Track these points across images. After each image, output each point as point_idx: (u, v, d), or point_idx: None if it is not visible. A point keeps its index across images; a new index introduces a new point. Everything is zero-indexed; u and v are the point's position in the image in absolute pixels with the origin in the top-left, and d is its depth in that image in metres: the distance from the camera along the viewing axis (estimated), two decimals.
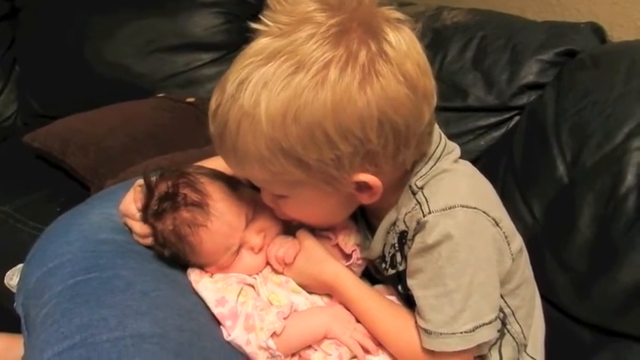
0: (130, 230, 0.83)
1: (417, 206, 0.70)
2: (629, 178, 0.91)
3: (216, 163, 0.83)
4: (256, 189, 0.78)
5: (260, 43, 0.66)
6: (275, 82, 0.63)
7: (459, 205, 0.67)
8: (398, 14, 0.67)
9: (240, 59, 0.66)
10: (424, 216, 0.68)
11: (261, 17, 0.67)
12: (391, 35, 0.65)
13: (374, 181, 0.68)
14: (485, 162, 1.17)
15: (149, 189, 0.79)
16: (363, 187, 0.69)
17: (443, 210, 0.68)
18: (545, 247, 0.98)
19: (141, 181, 0.81)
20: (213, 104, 0.68)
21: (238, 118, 0.65)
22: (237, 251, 0.79)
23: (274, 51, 0.64)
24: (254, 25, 0.67)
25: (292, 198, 0.73)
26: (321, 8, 0.65)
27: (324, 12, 0.64)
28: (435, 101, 0.69)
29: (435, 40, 1.27)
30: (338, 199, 0.72)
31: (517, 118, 1.19)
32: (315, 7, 0.65)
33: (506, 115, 1.21)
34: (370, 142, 0.64)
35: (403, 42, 0.65)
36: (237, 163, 0.70)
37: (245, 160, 0.67)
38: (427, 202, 0.69)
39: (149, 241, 0.81)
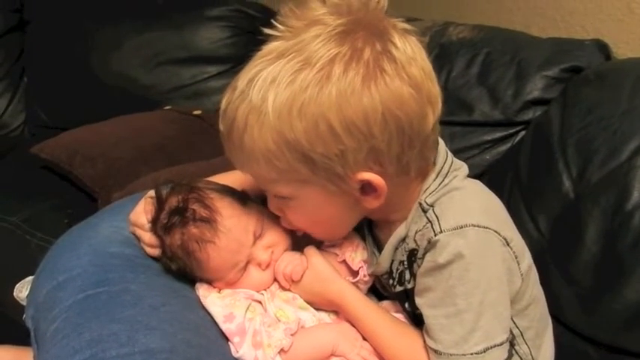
0: (139, 239, 0.83)
1: (428, 225, 0.70)
2: (635, 195, 0.91)
3: (227, 178, 0.84)
4: (265, 204, 0.79)
5: (271, 45, 0.68)
6: (282, 77, 0.65)
7: (470, 225, 0.67)
8: (406, 25, 0.69)
9: (252, 61, 0.69)
10: (435, 235, 0.68)
11: (274, 22, 0.69)
12: (397, 38, 0.67)
13: (378, 181, 0.68)
14: (490, 177, 1.17)
15: (159, 202, 0.80)
16: (368, 187, 0.69)
17: (454, 229, 0.67)
18: (551, 261, 0.97)
19: (152, 192, 0.82)
20: (223, 104, 0.70)
21: (246, 113, 0.66)
22: (245, 267, 0.79)
23: (283, 50, 0.66)
24: (267, 30, 0.69)
25: (297, 200, 0.72)
26: (330, 12, 0.67)
27: (333, 15, 0.67)
28: (439, 108, 0.69)
29: (441, 55, 1.28)
30: (342, 202, 0.72)
31: (522, 133, 1.20)
32: (325, 11, 0.68)
33: (512, 130, 1.21)
34: (374, 137, 0.65)
35: (409, 46, 0.67)
36: (244, 160, 0.71)
37: (251, 156, 0.68)
38: (438, 220, 0.69)
39: (157, 251, 0.82)
